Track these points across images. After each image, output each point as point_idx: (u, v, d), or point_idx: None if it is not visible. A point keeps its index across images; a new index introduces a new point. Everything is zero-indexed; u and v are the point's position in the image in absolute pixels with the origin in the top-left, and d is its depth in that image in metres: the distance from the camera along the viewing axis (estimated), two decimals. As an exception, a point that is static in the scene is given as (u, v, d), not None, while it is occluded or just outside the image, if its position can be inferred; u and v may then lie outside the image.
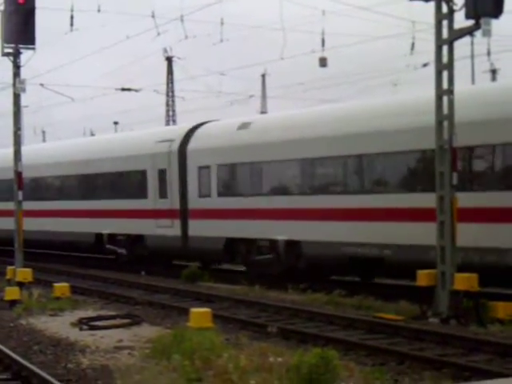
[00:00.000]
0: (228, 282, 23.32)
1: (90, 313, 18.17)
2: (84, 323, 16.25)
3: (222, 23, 31.49)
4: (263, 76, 64.18)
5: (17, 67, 21.77)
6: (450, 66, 16.08)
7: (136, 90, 40.75)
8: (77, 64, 39.65)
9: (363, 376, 10.86)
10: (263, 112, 58.31)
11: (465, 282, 15.40)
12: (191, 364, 11.41)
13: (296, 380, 9.83)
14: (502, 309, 15.40)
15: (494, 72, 59.89)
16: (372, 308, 17.56)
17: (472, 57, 45.26)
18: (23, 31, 20.94)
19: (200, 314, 14.26)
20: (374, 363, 12.35)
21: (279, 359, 11.33)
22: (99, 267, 29.33)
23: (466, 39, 30.69)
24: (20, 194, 22.01)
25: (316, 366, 9.76)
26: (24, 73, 21.97)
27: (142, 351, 13.15)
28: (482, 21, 15.41)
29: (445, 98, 16.11)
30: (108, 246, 29.17)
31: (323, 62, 38.18)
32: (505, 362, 12.04)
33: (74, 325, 16.32)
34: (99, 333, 15.36)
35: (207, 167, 24.76)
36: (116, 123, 65.67)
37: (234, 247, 24.15)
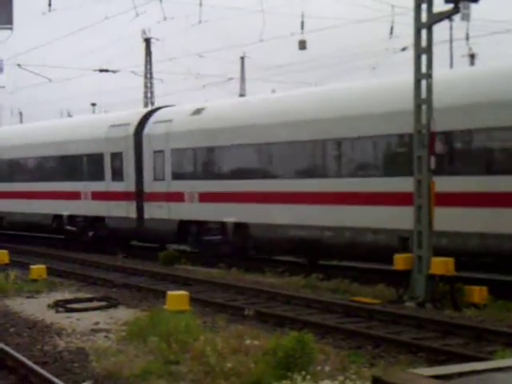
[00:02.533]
0: (205, 265, 23.29)
1: (67, 295, 18.09)
2: (60, 305, 16.18)
3: (200, 4, 31.31)
4: (242, 58, 64.02)
5: (-7, 47, 21.59)
6: (428, 50, 16.07)
7: (113, 71, 40.57)
8: (54, 44, 39.50)
9: (339, 359, 10.88)
10: (242, 95, 58.16)
11: (441, 266, 15.48)
12: (168, 347, 11.40)
13: (272, 363, 9.83)
14: (477, 293, 15.50)
15: (472, 56, 60.14)
16: (349, 292, 17.61)
17: (451, 41, 45.42)
18: (0, 11, 20.71)
19: (177, 297, 14.24)
20: (351, 347, 12.40)
21: (256, 342, 11.34)
22: (78, 249, 29.15)
23: (445, 23, 30.71)
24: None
25: (292, 349, 9.76)
26: (1, 53, 21.78)
27: (118, 334, 13.11)
28: (461, 5, 15.44)
29: (423, 82, 16.12)
30: None
31: (302, 45, 38.10)
32: (479, 346, 12.14)
33: (50, 307, 16.25)
34: (76, 315, 15.31)
35: None
36: (93, 104, 65.34)
37: None
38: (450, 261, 15.54)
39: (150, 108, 28.76)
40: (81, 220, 28.85)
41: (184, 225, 24.37)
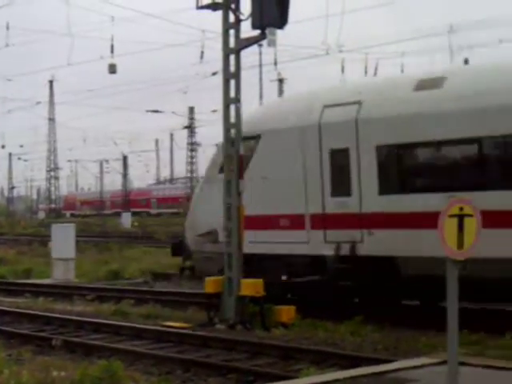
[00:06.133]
0: (11, 295, 22.40)
1: None
2: None
3: (7, 28, 30.43)
4: (51, 82, 62.81)
5: None
6: (237, 75, 16.27)
7: None
8: None
9: (149, 386, 10.72)
10: (51, 119, 56.91)
11: (251, 287, 15.63)
12: (-32, 383, 10.80)
13: (79, 394, 9.54)
14: (285, 313, 15.78)
15: (281, 81, 62.17)
16: (161, 317, 17.44)
17: (260, 66, 46.63)
18: None
19: (-22, 329, 13.55)
20: (161, 372, 12.23)
21: (63, 373, 10.95)
22: None
23: (255, 49, 31.39)
24: None
25: (99, 378, 9.52)
26: None
27: None
28: (268, 31, 15.74)
29: (232, 107, 16.30)
30: None
31: (112, 69, 37.85)
32: (287, 365, 12.31)
33: None
34: None
35: None
36: None
37: None
38: (259, 282, 15.72)
39: None
40: None
41: None
